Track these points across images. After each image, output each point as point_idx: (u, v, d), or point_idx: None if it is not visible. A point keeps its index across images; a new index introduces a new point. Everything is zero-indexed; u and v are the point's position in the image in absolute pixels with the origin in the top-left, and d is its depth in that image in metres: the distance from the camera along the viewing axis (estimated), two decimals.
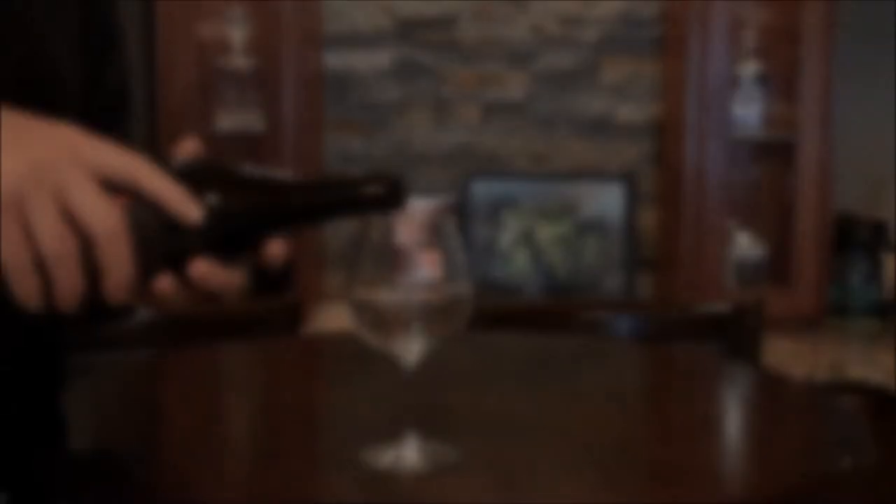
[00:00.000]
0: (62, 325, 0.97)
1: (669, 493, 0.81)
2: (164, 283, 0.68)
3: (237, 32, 2.37)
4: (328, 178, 0.76)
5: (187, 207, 0.67)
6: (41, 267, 0.63)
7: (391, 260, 0.79)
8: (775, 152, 2.61)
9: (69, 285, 0.64)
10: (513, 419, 0.99)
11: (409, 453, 0.82)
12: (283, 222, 0.73)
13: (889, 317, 2.61)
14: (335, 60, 2.64)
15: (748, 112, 2.52)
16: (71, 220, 0.64)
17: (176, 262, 0.69)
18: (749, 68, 2.50)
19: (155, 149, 0.73)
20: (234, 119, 2.39)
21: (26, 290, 0.63)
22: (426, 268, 0.80)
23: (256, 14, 2.38)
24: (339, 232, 2.68)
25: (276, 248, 0.72)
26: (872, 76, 2.73)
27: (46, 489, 0.82)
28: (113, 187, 0.66)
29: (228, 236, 0.70)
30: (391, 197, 0.75)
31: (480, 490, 0.80)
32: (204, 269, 0.69)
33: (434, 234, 0.78)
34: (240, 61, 2.38)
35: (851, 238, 2.59)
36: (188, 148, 0.75)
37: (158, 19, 2.32)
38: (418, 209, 0.79)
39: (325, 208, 0.76)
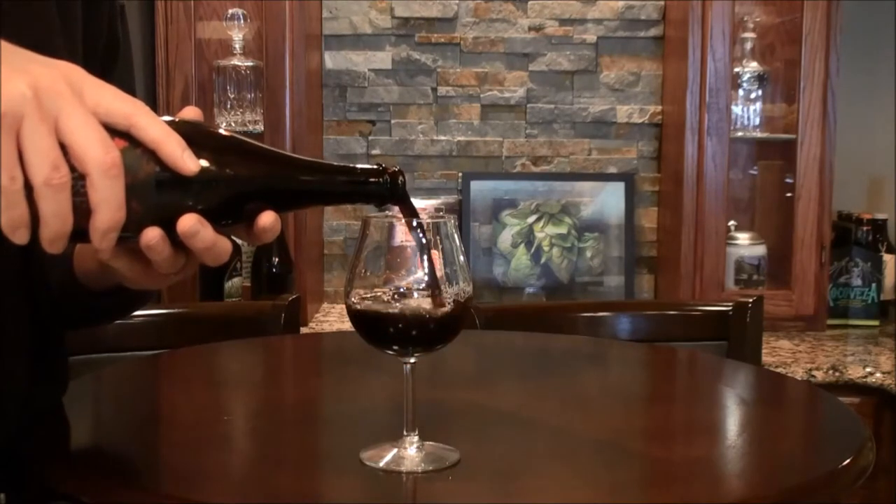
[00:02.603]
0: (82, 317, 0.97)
1: (669, 493, 0.81)
2: (152, 234, 0.67)
3: (237, 32, 2.37)
4: (330, 163, 0.76)
5: (184, 158, 0.66)
6: (32, 195, 0.62)
7: (391, 260, 0.79)
8: (775, 152, 2.61)
9: (57, 217, 0.62)
10: (513, 419, 0.99)
11: (409, 453, 0.82)
12: (278, 195, 0.72)
13: (889, 317, 2.61)
14: (335, 60, 2.64)
15: (748, 112, 2.52)
16: (67, 151, 0.62)
17: (165, 216, 0.67)
18: (749, 68, 2.50)
19: None
20: (234, 119, 2.39)
21: (13, 218, 0.61)
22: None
23: (256, 14, 2.38)
24: (338, 232, 2.68)
25: (267, 221, 0.71)
26: (872, 76, 2.73)
27: (46, 489, 0.82)
28: (111, 130, 0.65)
29: (221, 200, 0.68)
30: (390, 189, 0.75)
31: (480, 490, 0.80)
32: (193, 222, 0.67)
33: (434, 235, 0.78)
34: (240, 61, 2.38)
35: (851, 238, 2.59)
36: (189, 114, 0.75)
37: (158, 19, 2.31)
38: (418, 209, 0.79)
39: (323, 191, 0.75)
